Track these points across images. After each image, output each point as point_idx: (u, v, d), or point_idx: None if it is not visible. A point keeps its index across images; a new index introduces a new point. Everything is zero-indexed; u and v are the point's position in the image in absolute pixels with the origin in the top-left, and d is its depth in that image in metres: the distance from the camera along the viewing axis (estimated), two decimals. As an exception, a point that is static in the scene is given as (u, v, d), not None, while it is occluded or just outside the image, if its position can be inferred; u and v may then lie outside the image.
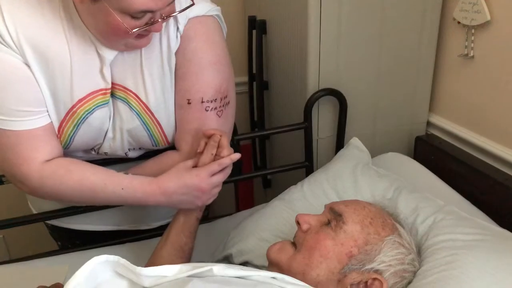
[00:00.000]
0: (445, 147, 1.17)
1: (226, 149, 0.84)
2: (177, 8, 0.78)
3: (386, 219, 0.76)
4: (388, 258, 0.71)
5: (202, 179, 0.82)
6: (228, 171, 0.86)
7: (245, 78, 1.61)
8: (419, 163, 1.14)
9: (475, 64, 1.10)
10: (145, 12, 0.71)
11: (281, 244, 0.78)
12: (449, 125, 1.21)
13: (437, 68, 1.23)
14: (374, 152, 1.19)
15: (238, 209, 1.55)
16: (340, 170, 1.01)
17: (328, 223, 0.75)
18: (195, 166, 0.84)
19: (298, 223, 0.78)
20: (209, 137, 0.84)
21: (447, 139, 1.21)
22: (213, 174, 0.83)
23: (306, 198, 0.98)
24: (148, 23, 0.74)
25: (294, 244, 0.77)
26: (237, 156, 0.84)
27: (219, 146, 0.84)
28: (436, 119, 1.26)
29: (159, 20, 0.74)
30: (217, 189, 0.86)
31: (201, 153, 0.84)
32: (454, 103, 1.20)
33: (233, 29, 1.65)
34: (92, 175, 0.84)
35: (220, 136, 0.84)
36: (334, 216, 0.75)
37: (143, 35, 0.77)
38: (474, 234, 0.77)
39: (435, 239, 0.77)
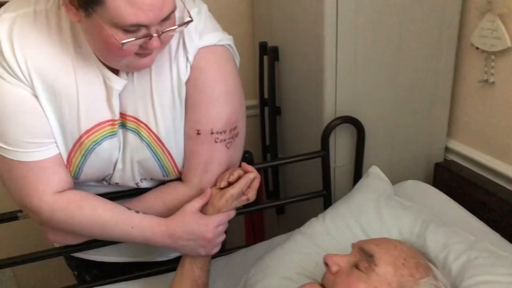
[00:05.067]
0: (467, 174, 1.14)
1: (254, 192, 0.85)
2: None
3: (420, 259, 0.73)
4: (424, 303, 0.68)
5: (210, 229, 0.83)
6: (232, 214, 0.88)
7: (255, 101, 1.60)
8: (441, 192, 1.11)
9: (496, 89, 1.08)
10: (137, 26, 0.69)
11: (309, 286, 0.75)
12: (469, 150, 1.19)
13: (455, 93, 1.21)
14: (392, 179, 1.17)
15: (250, 238, 1.52)
16: (363, 202, 0.99)
17: (358, 264, 0.72)
18: (203, 205, 0.85)
19: (326, 264, 0.75)
20: (245, 172, 0.85)
21: (466, 165, 1.19)
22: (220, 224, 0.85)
23: (329, 232, 0.95)
24: (141, 38, 0.71)
25: (323, 286, 0.74)
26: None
27: (249, 187, 0.85)
28: (455, 145, 1.24)
29: (155, 35, 0.71)
30: (222, 238, 0.87)
31: (231, 184, 0.84)
32: (474, 128, 1.18)
33: (242, 54, 1.63)
34: (103, 212, 0.84)
35: (256, 177, 0.85)
36: (364, 257, 0.73)
37: (144, 54, 0.75)
38: (514, 275, 0.74)
39: (472, 280, 0.74)
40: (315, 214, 1.14)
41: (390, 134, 1.21)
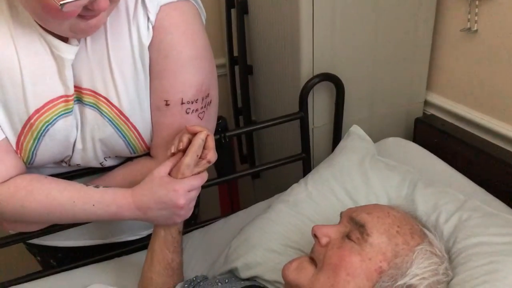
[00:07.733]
0: (448, 128, 1.10)
1: (213, 152, 0.74)
2: None
3: (413, 225, 0.69)
4: (421, 271, 0.64)
5: (180, 195, 0.72)
6: (205, 177, 0.77)
7: (223, 60, 1.49)
8: (423, 148, 1.07)
9: (479, 38, 1.03)
10: None
11: (298, 262, 0.70)
12: (449, 104, 1.15)
13: (435, 43, 1.15)
14: (372, 137, 1.11)
15: (225, 208, 1.46)
16: (346, 165, 0.93)
17: (350, 234, 0.67)
18: (171, 171, 0.74)
19: (315, 236, 0.70)
20: (194, 134, 0.73)
21: (446, 119, 1.15)
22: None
23: (312, 198, 0.90)
24: None
25: (312, 259, 0.69)
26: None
27: (204, 148, 0.73)
28: (435, 98, 1.19)
29: None
30: (194, 203, 0.77)
31: (183, 151, 0.73)
32: (455, 80, 1.13)
33: (206, 7, 1.50)
34: (58, 193, 0.74)
35: (207, 135, 0.74)
36: (355, 226, 0.68)
37: (89, 16, 0.64)
38: (509, 235, 0.71)
39: (466, 242, 0.71)
40: (293, 178, 1.08)
41: (369, 90, 1.14)
